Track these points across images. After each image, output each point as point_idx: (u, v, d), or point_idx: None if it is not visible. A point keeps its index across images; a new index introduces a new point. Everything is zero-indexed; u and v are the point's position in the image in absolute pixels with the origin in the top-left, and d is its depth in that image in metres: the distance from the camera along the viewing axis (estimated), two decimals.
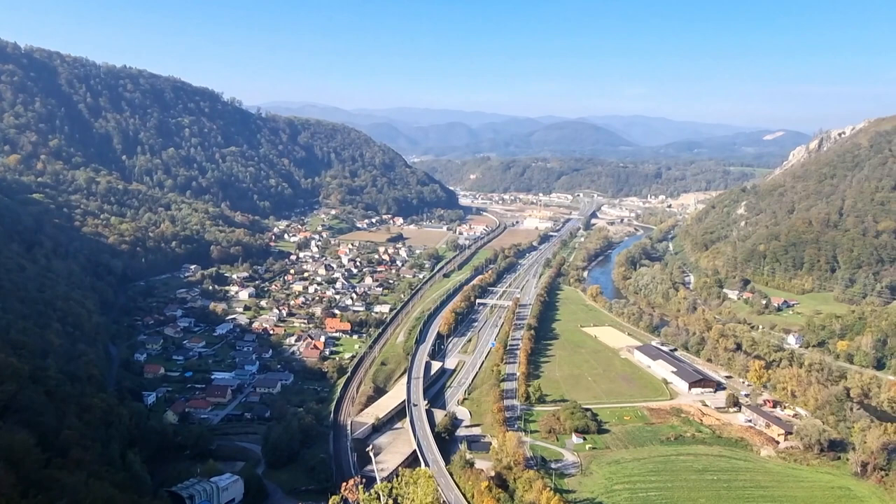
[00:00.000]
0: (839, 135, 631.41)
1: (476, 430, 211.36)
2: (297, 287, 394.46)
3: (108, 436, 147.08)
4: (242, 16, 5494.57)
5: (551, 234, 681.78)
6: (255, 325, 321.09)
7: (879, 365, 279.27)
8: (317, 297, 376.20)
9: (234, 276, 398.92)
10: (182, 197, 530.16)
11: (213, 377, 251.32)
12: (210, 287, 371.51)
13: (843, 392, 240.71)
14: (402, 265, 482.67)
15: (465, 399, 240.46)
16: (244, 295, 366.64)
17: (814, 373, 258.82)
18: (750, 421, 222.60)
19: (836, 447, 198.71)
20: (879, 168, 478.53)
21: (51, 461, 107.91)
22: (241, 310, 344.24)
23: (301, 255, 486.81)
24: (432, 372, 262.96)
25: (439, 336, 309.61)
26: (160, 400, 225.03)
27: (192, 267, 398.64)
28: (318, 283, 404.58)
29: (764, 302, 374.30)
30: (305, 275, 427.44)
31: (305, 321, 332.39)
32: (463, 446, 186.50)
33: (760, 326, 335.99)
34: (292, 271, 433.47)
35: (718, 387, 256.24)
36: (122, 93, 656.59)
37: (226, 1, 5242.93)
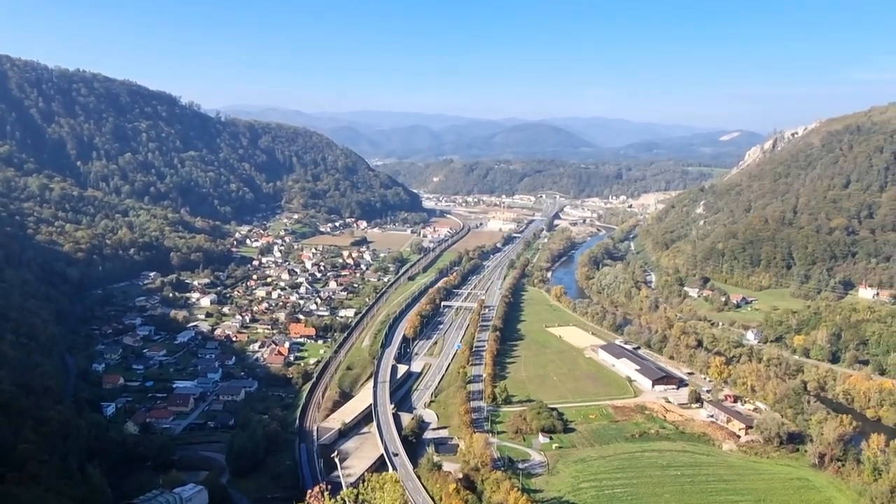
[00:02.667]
0: (792, 135, 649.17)
1: (443, 433, 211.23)
2: (261, 293, 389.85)
3: (65, 449, 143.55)
4: (198, 19, 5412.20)
5: (515, 235, 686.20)
6: (218, 332, 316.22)
7: (834, 358, 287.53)
8: (280, 303, 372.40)
9: (196, 283, 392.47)
10: (140, 203, 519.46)
11: (174, 386, 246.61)
12: (170, 294, 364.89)
13: (800, 386, 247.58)
14: (367, 269, 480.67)
15: (431, 402, 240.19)
16: (206, 302, 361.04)
17: (772, 367, 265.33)
18: (712, 416, 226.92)
19: (795, 439, 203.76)
20: (831, 167, 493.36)
21: (5, 476, 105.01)
22: (202, 317, 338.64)
23: (264, 260, 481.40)
24: (399, 375, 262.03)
25: (405, 339, 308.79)
26: (120, 410, 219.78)
27: (152, 274, 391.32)
28: (282, 289, 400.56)
29: (723, 299, 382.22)
30: (268, 280, 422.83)
31: (269, 327, 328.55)
32: (430, 449, 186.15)
33: (720, 323, 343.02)
34: (255, 277, 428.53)
35: (681, 383, 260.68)
36: (75, 97, 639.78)
37: (180, 4, 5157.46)
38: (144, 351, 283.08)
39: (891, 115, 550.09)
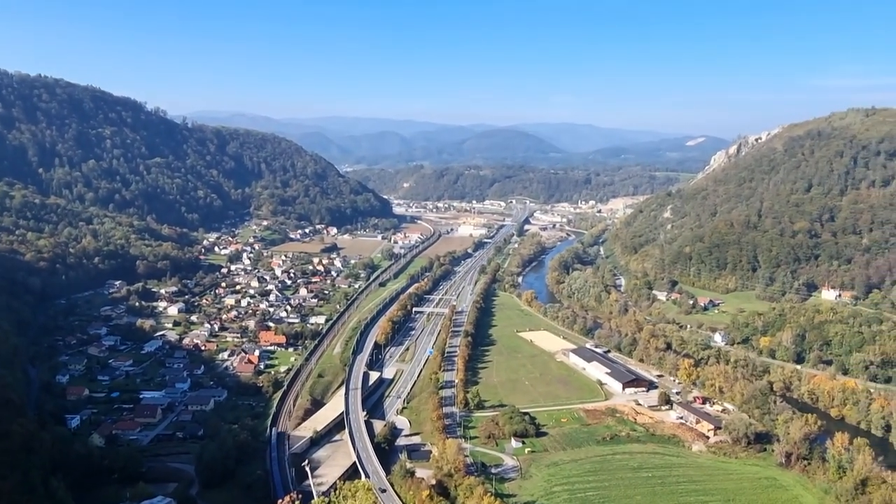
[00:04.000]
0: (756, 140, 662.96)
1: (416, 439, 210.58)
2: (230, 301, 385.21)
3: (28, 463, 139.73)
4: (164, 24, 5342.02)
5: (486, 240, 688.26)
6: (186, 341, 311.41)
7: (799, 359, 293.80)
8: (250, 311, 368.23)
9: (163, 292, 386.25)
10: (105, 210, 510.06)
11: (141, 396, 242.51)
12: (136, 303, 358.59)
13: (766, 386, 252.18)
14: (337, 275, 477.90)
15: (404, 408, 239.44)
16: (173, 310, 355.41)
17: (739, 369, 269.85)
18: (681, 418, 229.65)
19: (762, 439, 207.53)
20: (794, 171, 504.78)
21: None
22: (170, 326, 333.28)
23: (233, 267, 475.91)
24: (370, 382, 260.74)
25: (377, 346, 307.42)
26: (85, 423, 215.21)
27: (117, 283, 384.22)
28: (251, 296, 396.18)
29: (691, 302, 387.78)
30: (238, 288, 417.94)
31: (239, 335, 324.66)
32: (403, 456, 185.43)
33: (688, 326, 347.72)
34: (224, 284, 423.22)
35: (651, 386, 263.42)
36: (37, 103, 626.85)
37: (146, 9, 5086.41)
38: (110, 361, 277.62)
39: (850, 121, 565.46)
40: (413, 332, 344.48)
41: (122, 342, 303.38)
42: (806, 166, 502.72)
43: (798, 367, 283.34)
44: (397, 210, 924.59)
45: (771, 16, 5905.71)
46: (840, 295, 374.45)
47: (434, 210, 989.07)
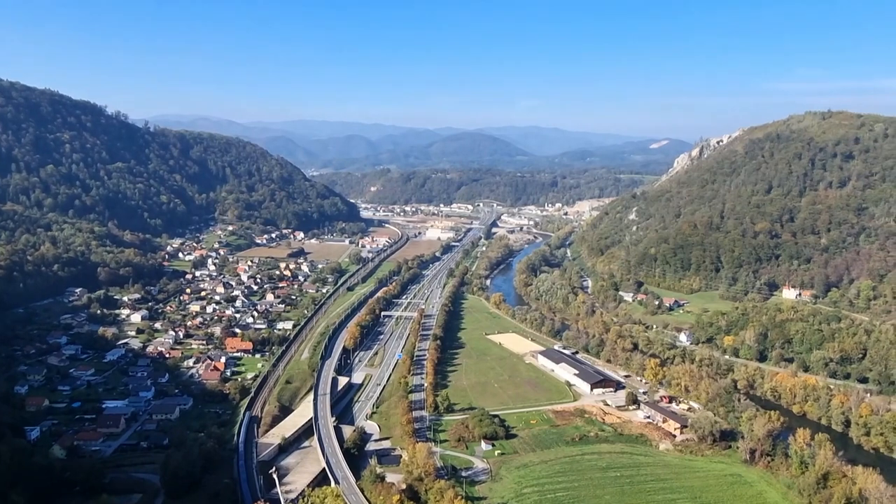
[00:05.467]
0: (718, 143, 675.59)
1: (386, 444, 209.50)
2: (195, 307, 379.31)
3: None
4: (123, 26, 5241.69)
5: (453, 244, 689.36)
6: (150, 348, 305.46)
7: (762, 357, 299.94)
8: (216, 317, 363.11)
9: (125, 299, 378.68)
10: (64, 217, 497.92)
11: (104, 406, 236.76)
12: (98, 311, 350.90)
13: (731, 384, 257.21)
14: (305, 280, 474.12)
15: (373, 413, 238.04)
16: (136, 318, 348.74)
17: (704, 368, 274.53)
18: (648, 417, 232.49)
19: (727, 437, 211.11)
20: (754, 173, 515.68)
21: None
22: (133, 333, 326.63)
23: (197, 273, 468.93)
24: (339, 387, 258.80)
25: (345, 350, 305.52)
26: (45, 434, 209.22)
27: (78, 290, 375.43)
28: (217, 302, 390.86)
29: (657, 302, 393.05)
30: (203, 294, 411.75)
31: (204, 342, 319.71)
32: (373, 461, 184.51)
33: (654, 326, 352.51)
34: (188, 291, 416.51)
35: (618, 386, 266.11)
36: None
37: (102, 10, 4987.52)
38: (71, 371, 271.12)
39: (807, 124, 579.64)
40: (382, 337, 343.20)
41: (83, 351, 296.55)
42: (766, 168, 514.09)
43: (761, 365, 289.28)
44: (365, 214, 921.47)
45: (730, 20, 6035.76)
46: (800, 294, 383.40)
47: (402, 214, 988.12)
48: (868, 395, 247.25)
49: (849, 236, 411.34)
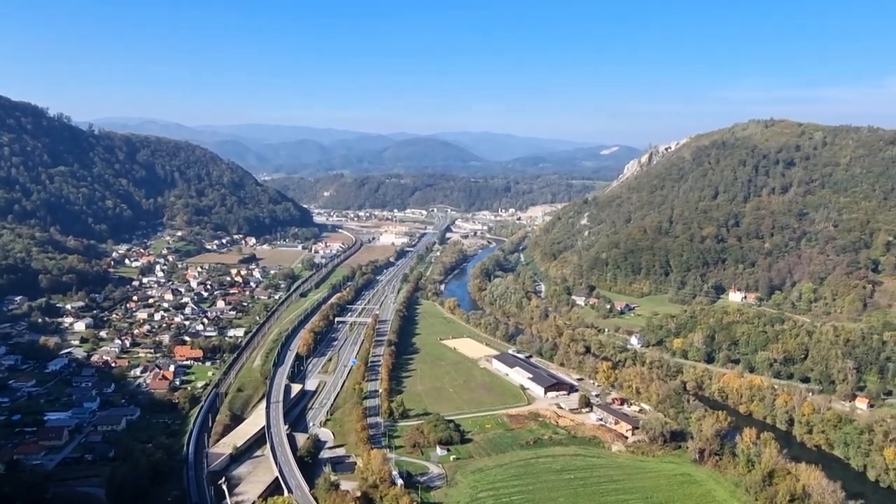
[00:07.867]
0: (666, 149, 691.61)
1: (340, 451, 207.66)
2: (142, 315, 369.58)
3: None
4: (66, 27, 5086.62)
5: (408, 249, 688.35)
6: (95, 358, 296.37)
7: (710, 359, 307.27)
8: (164, 325, 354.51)
9: (68, 307, 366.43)
10: (3, 222, 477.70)
11: (46, 418, 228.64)
12: (39, 320, 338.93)
13: (680, 386, 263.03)
14: (257, 286, 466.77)
15: (327, 420, 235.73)
16: (80, 326, 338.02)
17: (654, 370, 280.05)
18: (601, 419, 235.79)
19: (678, 437, 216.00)
20: (701, 179, 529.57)
21: None
22: (77, 342, 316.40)
23: (145, 280, 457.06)
24: (292, 395, 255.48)
25: (298, 357, 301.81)
26: None
27: (18, 298, 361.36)
28: (165, 310, 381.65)
29: (608, 306, 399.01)
30: (150, 301, 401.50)
31: (152, 350, 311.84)
32: (327, 468, 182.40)
33: (606, 329, 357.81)
34: (135, 298, 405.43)
35: (572, 389, 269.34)
36: None
37: (43, 10, 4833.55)
38: (10, 382, 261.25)
39: (751, 132, 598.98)
40: (336, 343, 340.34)
41: (23, 361, 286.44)
42: (712, 174, 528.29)
43: (709, 366, 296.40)
44: (318, 219, 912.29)
45: (677, 31, 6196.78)
46: (745, 297, 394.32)
47: (355, 219, 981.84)
48: (810, 394, 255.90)
49: (791, 241, 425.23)
